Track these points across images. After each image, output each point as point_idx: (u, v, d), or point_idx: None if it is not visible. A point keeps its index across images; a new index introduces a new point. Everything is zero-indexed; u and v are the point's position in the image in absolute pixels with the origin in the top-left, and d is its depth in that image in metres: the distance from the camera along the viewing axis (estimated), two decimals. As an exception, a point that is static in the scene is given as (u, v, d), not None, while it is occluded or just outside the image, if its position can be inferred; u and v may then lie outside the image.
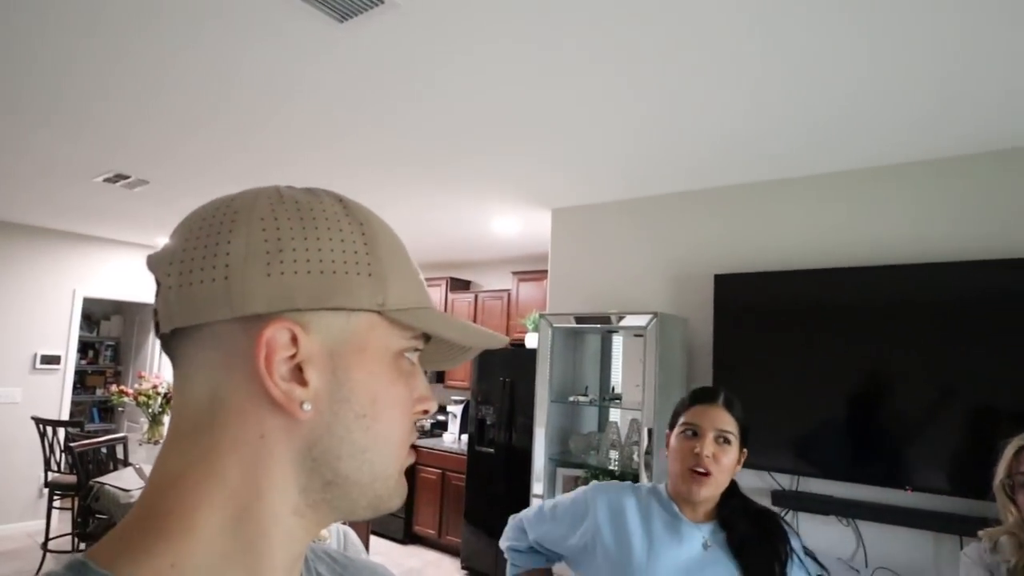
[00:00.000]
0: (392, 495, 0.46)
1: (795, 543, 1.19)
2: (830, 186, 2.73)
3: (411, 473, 4.92)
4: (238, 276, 0.39)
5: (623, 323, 2.87)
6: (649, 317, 2.75)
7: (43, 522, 4.65)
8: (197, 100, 2.29)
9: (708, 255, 3.02)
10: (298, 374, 0.40)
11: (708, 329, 2.85)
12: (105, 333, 6.80)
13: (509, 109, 2.24)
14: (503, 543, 1.42)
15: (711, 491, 1.17)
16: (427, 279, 5.54)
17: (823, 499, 2.51)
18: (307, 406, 0.40)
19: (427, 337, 0.48)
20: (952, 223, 2.44)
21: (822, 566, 1.25)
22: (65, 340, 5.12)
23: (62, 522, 4.54)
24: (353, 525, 3.23)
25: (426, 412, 0.48)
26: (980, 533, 1.36)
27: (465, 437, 4.64)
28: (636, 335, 2.90)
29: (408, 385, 0.46)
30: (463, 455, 4.51)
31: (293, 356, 0.40)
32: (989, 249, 2.33)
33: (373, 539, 4.47)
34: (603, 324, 2.97)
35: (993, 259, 2.26)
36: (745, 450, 1.22)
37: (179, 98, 2.28)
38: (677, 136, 2.44)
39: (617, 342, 3.29)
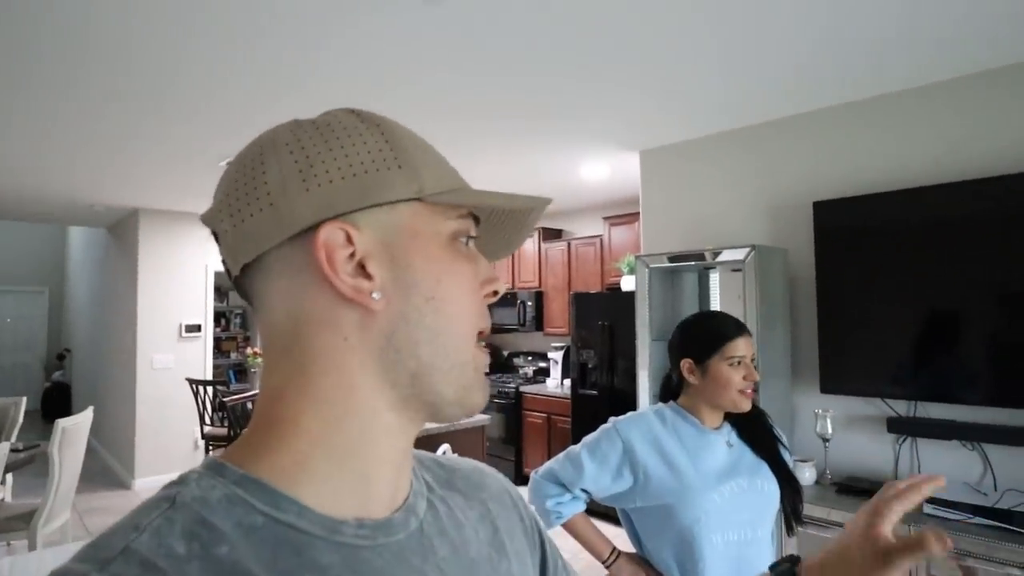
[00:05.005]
0: (473, 385, 0.47)
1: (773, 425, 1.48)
2: (932, 97, 2.54)
3: (518, 417, 5.19)
4: (281, 199, 0.42)
5: (720, 259, 2.85)
6: (746, 250, 2.72)
7: (204, 468, 5.33)
8: (286, 71, 2.47)
9: (805, 182, 2.91)
10: (361, 270, 0.43)
11: (809, 259, 2.78)
12: (233, 303, 7.53)
13: (590, 52, 2.25)
14: (542, 503, 1.41)
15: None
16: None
17: (944, 424, 2.42)
18: (376, 295, 0.43)
19: (476, 222, 0.50)
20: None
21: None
22: (203, 310, 5.74)
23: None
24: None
25: (495, 293, 0.49)
26: None
27: (567, 382, 4.80)
28: (734, 270, 2.87)
29: (471, 264, 0.48)
30: (567, 399, 4.68)
31: (352, 255, 0.43)
32: None
33: (487, 478, 4.78)
34: (699, 261, 2.96)
35: None
36: None
37: (267, 77, 2.47)
38: (764, 62, 2.35)
39: (715, 279, 3.27)
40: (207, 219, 0.46)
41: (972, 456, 2.40)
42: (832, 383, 2.67)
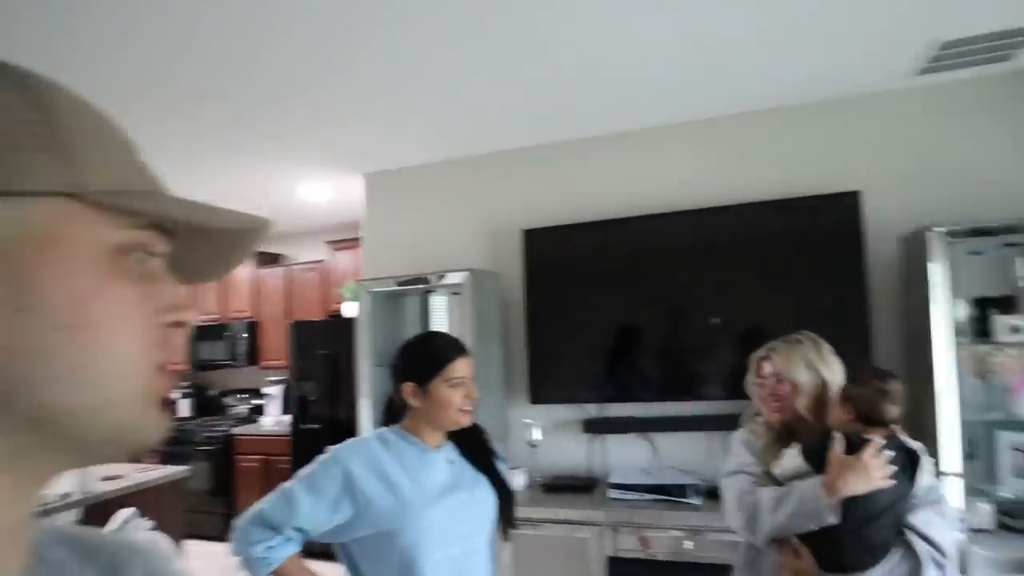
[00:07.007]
0: (140, 424, 0.37)
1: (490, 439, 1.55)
2: (626, 142, 3.05)
3: (228, 465, 4.60)
4: None
5: (441, 282, 2.95)
6: (465, 274, 2.86)
7: None
8: None
9: (518, 211, 3.21)
10: None
11: (520, 282, 3.05)
12: None
13: (309, 68, 2.15)
14: (247, 550, 1.27)
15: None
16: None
17: (624, 420, 2.87)
18: None
19: (169, 236, 0.39)
20: (722, 173, 2.88)
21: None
22: None
23: None
24: (164, 528, 2.94)
25: (180, 324, 0.39)
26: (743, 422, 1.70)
27: (287, 418, 4.44)
28: (454, 293, 3.00)
29: (143, 287, 0.37)
30: (287, 436, 4.33)
31: None
32: (760, 194, 2.71)
33: (190, 543, 4.10)
34: (421, 285, 3.02)
35: (759, 201, 2.66)
36: None
37: None
38: (485, 97, 2.54)
39: (437, 302, 3.37)
40: None
41: (643, 444, 2.87)
42: (540, 394, 2.95)
